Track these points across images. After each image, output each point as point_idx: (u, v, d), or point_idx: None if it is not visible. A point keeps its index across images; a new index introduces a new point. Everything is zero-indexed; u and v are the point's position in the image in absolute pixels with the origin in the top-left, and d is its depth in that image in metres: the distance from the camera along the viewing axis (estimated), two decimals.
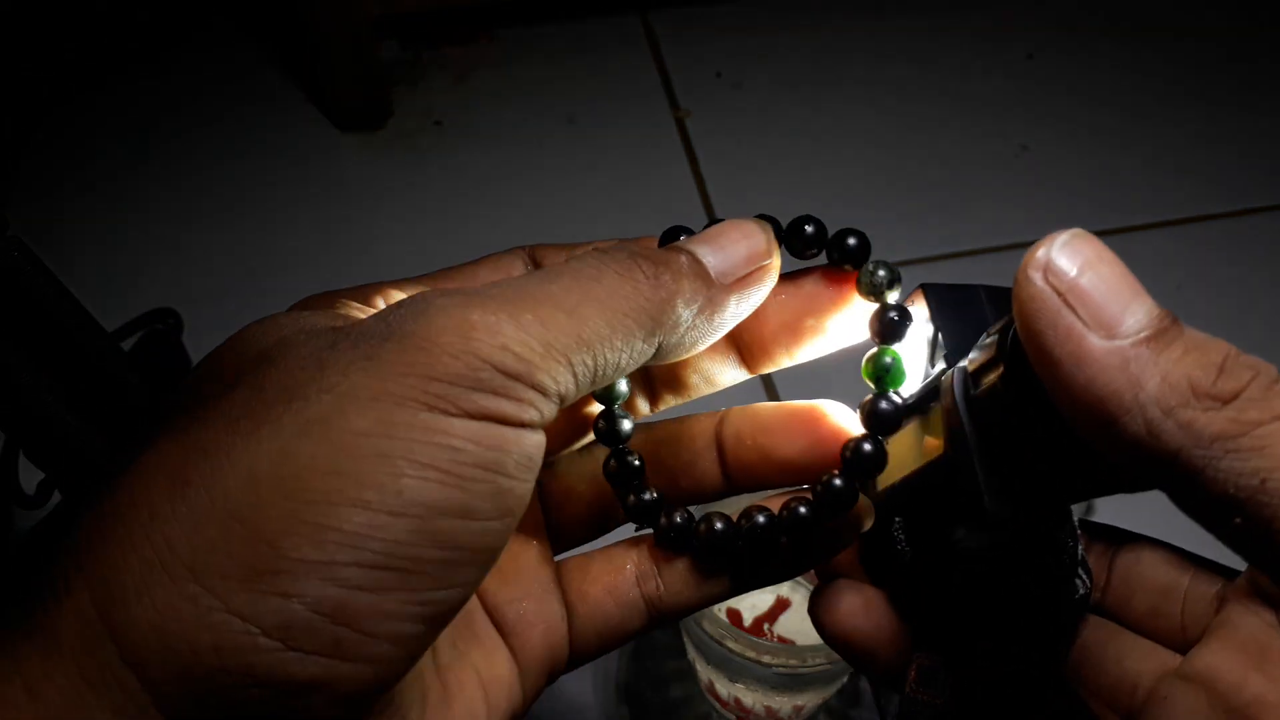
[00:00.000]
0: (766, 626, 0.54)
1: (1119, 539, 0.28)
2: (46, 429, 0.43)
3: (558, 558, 0.29)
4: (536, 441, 0.21)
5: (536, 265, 0.27)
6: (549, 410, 0.21)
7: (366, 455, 0.19)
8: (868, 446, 0.25)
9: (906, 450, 0.26)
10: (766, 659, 0.46)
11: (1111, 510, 0.26)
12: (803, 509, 0.26)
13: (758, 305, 0.25)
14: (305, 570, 0.19)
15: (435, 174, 0.85)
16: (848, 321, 0.27)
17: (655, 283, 0.23)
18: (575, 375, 0.21)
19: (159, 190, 0.84)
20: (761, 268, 0.25)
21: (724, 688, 0.51)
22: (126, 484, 0.20)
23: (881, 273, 0.26)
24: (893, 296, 0.26)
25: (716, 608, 0.52)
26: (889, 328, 0.26)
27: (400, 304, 0.21)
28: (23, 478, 0.50)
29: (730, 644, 0.47)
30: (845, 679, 0.51)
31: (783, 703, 0.51)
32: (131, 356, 0.62)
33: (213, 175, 0.85)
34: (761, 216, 0.26)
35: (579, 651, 0.28)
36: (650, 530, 0.28)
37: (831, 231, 0.26)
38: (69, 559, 0.20)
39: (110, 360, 0.46)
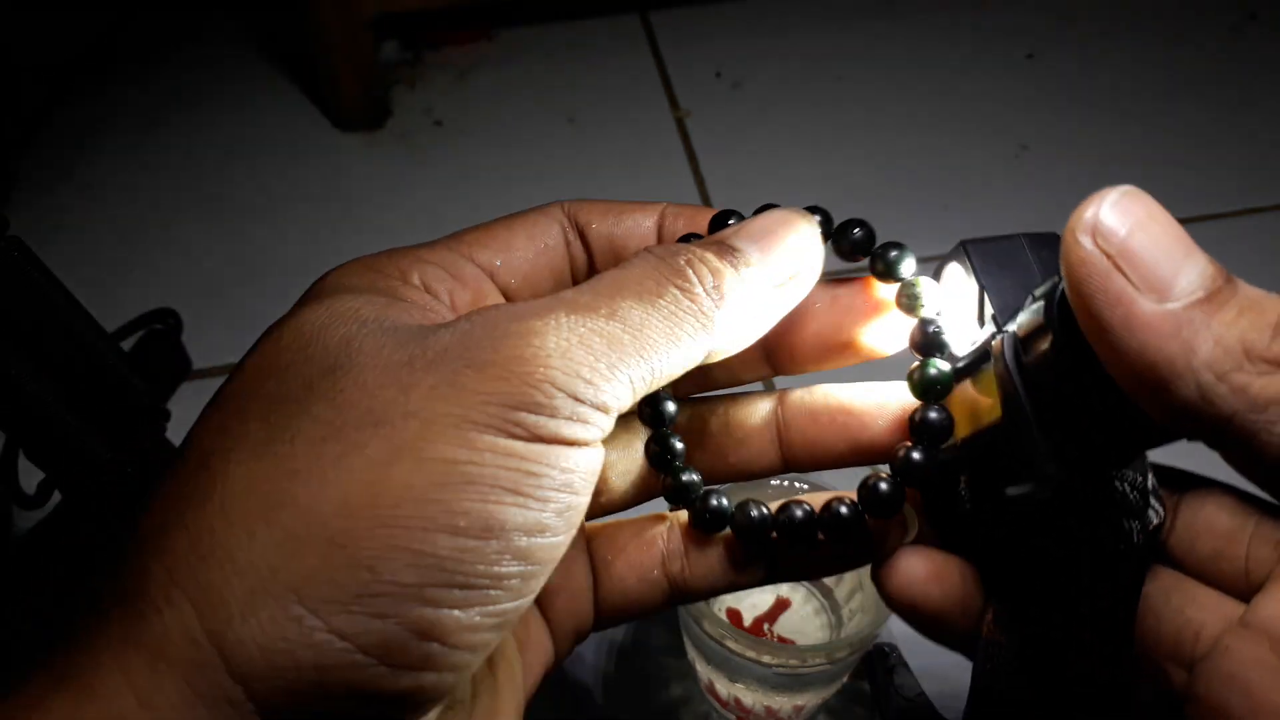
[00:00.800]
0: (766, 626, 0.54)
1: (1183, 483, 0.27)
2: (46, 429, 0.43)
3: (593, 521, 0.30)
4: (599, 456, 0.22)
5: (575, 227, 0.28)
6: (610, 425, 0.22)
7: (456, 482, 0.20)
8: (917, 455, 0.25)
9: (960, 414, 0.26)
10: (766, 659, 0.46)
11: (1174, 453, 0.26)
12: (844, 509, 0.26)
13: (800, 300, 0.25)
14: (402, 593, 0.20)
15: (435, 174, 0.85)
16: (882, 334, 0.27)
17: (712, 292, 0.23)
18: (634, 389, 0.22)
19: (159, 190, 0.84)
20: (807, 266, 0.25)
21: (724, 688, 0.51)
22: (216, 498, 0.21)
23: (919, 289, 0.26)
24: (928, 309, 0.26)
25: (716, 608, 0.52)
26: (932, 341, 0.26)
27: (474, 321, 0.22)
28: (23, 478, 0.50)
29: (730, 644, 0.46)
30: (845, 679, 0.51)
31: (783, 703, 0.51)
32: (131, 356, 0.62)
33: (213, 175, 0.85)
34: (811, 209, 0.26)
35: (603, 617, 0.29)
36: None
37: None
38: (161, 569, 0.20)
39: (110, 360, 0.46)
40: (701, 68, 0.93)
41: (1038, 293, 0.23)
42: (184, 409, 0.59)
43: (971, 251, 0.26)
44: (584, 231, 0.28)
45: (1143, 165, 0.85)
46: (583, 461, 0.22)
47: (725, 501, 0.27)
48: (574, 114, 0.89)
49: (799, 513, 0.26)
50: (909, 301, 0.26)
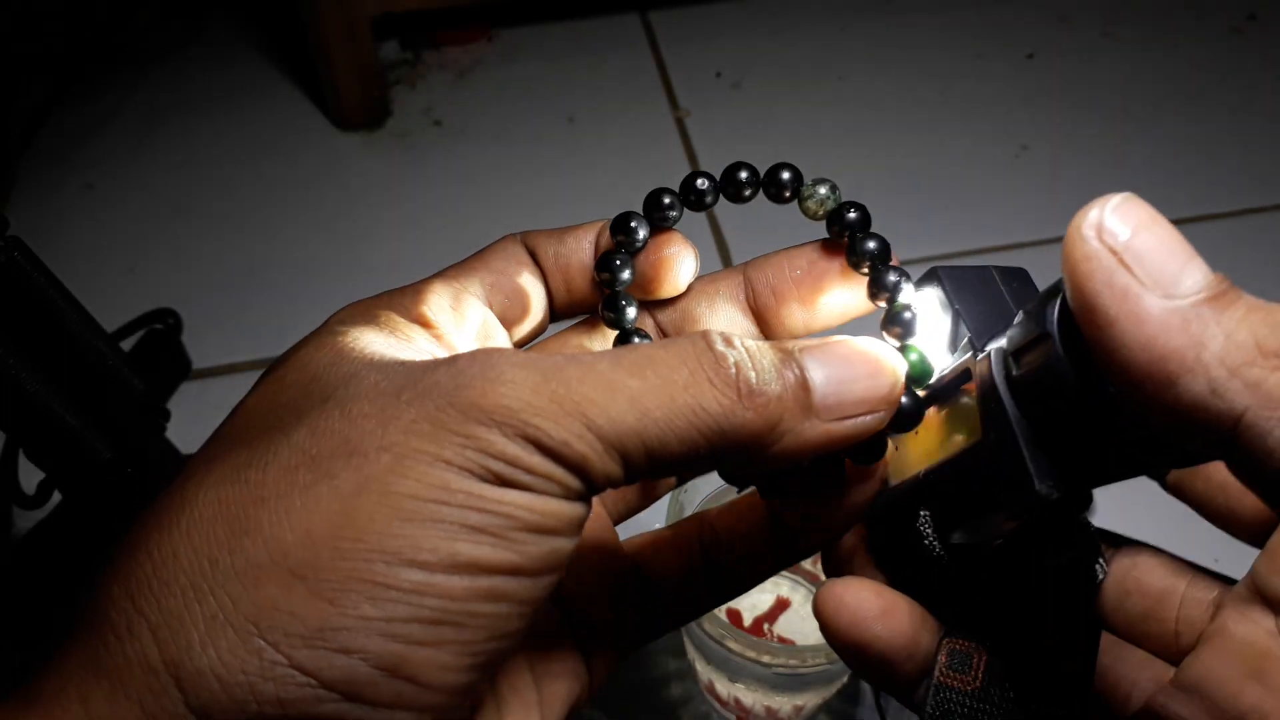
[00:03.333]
0: (766, 626, 0.54)
1: (1115, 542, 0.28)
2: (46, 429, 0.43)
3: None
4: (583, 509, 0.22)
5: (531, 254, 0.28)
6: (598, 489, 0.21)
7: (423, 518, 0.20)
8: (904, 399, 0.24)
9: (932, 441, 0.25)
10: (766, 659, 0.46)
11: (1108, 515, 0.25)
12: None
13: (847, 444, 0.23)
14: (365, 627, 0.19)
15: (435, 174, 0.85)
16: (845, 294, 0.27)
17: (748, 404, 0.21)
18: (626, 467, 0.21)
19: (159, 190, 0.84)
20: (874, 411, 0.23)
21: (724, 688, 0.51)
22: (183, 523, 0.20)
23: (844, 209, 0.26)
24: (906, 295, 0.26)
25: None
26: (905, 327, 0.25)
27: (472, 360, 0.21)
28: (23, 478, 0.50)
29: (730, 644, 0.46)
30: (845, 679, 0.51)
31: (783, 703, 0.51)
32: (131, 356, 0.62)
33: (213, 175, 0.85)
34: (847, 205, 0.27)
35: (646, 631, 0.29)
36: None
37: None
38: (125, 595, 0.20)
39: (110, 360, 0.46)
40: (701, 68, 0.93)
41: (1028, 308, 0.22)
42: (184, 409, 0.59)
43: (944, 277, 0.26)
44: (536, 256, 0.28)
45: (1143, 165, 0.85)
46: (562, 511, 0.21)
47: None
48: (574, 114, 0.89)
49: None
50: (894, 325, 0.26)
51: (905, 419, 0.24)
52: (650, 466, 0.21)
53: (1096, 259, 0.19)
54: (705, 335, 0.22)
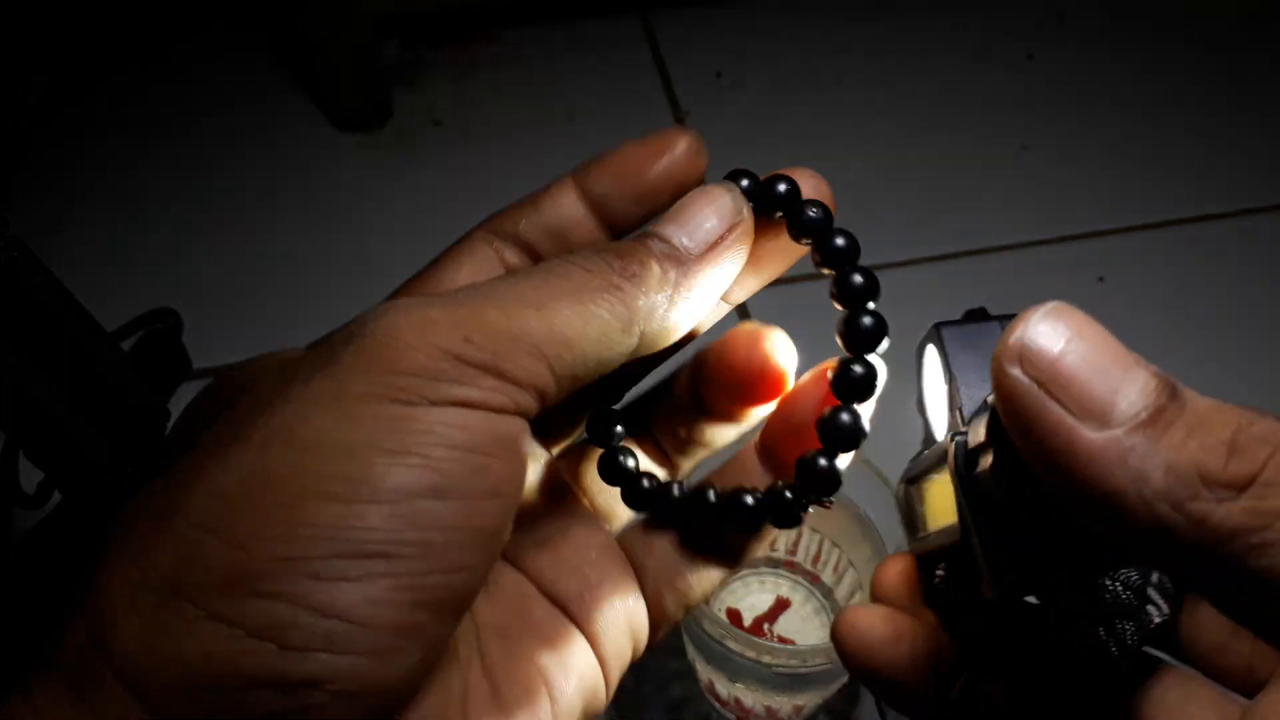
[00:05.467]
0: (766, 626, 0.54)
1: None
2: (46, 429, 0.43)
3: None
4: (513, 426, 0.21)
5: (507, 240, 0.27)
6: (525, 400, 0.21)
7: (330, 451, 0.19)
8: (845, 417, 0.24)
9: (940, 500, 0.25)
10: (766, 659, 0.46)
11: None
12: (748, 499, 0.25)
13: (739, 268, 0.25)
14: (281, 569, 0.19)
15: (435, 174, 0.85)
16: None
17: (623, 273, 0.22)
18: (552, 369, 0.21)
19: (159, 190, 0.84)
20: (733, 231, 0.24)
21: (724, 688, 0.51)
22: (121, 523, 0.21)
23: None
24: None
25: (716, 607, 0.52)
26: (851, 386, 0.24)
27: (363, 312, 0.21)
28: (23, 478, 0.50)
29: (730, 644, 0.46)
30: (845, 679, 0.51)
31: (783, 703, 0.51)
32: (131, 356, 0.62)
33: (213, 175, 0.85)
34: (732, 174, 0.25)
35: (659, 627, 0.28)
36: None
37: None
38: (74, 597, 0.21)
39: (110, 360, 0.46)
40: (701, 68, 0.93)
41: (990, 399, 0.21)
42: (184, 409, 0.59)
43: (945, 336, 0.25)
44: (516, 238, 0.27)
45: (1143, 165, 0.85)
46: (487, 425, 0.20)
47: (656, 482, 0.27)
48: (574, 114, 0.89)
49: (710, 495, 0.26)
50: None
51: (846, 435, 0.24)
52: (574, 363, 0.21)
53: (1022, 394, 0.18)
54: (578, 251, 0.23)
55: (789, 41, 0.96)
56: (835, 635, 0.27)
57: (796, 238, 0.26)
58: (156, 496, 0.21)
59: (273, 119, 0.89)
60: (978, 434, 0.22)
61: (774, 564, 0.55)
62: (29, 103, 0.88)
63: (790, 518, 0.26)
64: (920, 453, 0.27)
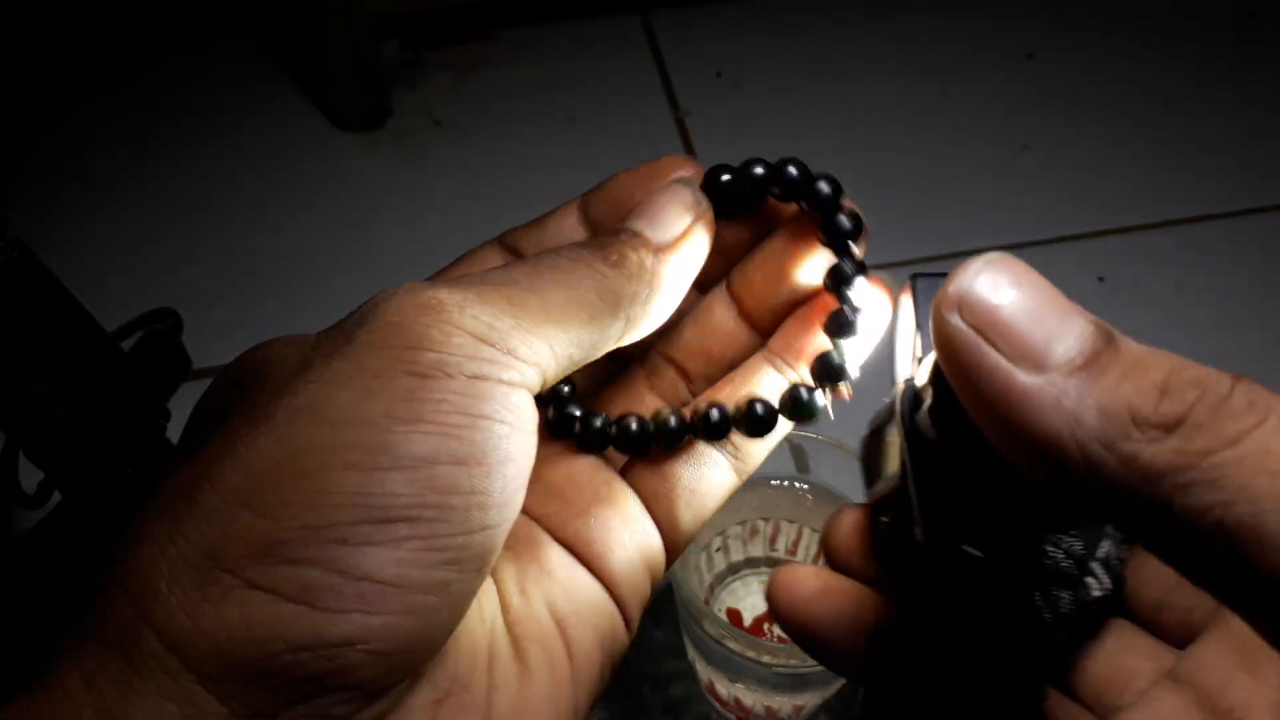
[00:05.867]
0: (766, 626, 0.54)
1: None
2: (46, 429, 0.43)
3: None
4: (523, 396, 0.22)
5: (512, 252, 0.29)
6: (530, 375, 0.22)
7: (352, 423, 0.20)
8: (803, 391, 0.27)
9: (895, 449, 0.25)
10: (766, 659, 0.46)
11: None
12: (714, 413, 0.27)
13: (705, 256, 0.27)
14: (309, 536, 0.20)
15: (435, 174, 0.85)
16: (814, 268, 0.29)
17: (606, 261, 0.24)
18: (552, 350, 0.23)
19: (159, 190, 0.84)
20: (696, 223, 0.26)
21: (724, 688, 0.51)
22: (150, 506, 0.21)
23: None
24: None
25: (716, 608, 0.52)
26: (838, 326, 0.27)
27: (374, 296, 0.22)
28: (23, 478, 0.50)
29: (730, 644, 0.46)
30: (845, 679, 0.51)
31: (783, 703, 0.51)
32: (131, 356, 0.62)
33: (212, 175, 0.85)
34: (712, 170, 0.28)
35: (675, 547, 0.29)
36: None
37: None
38: (105, 574, 0.21)
39: (110, 360, 0.46)
40: (701, 68, 0.93)
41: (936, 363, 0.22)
42: (184, 409, 0.59)
43: (918, 287, 0.25)
44: (520, 250, 0.29)
45: (1143, 165, 0.85)
46: (499, 394, 0.21)
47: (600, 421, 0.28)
48: (574, 114, 0.89)
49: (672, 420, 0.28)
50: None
51: (799, 408, 0.26)
52: (571, 347, 0.23)
53: (960, 340, 0.18)
54: (568, 245, 0.26)
55: (789, 41, 0.96)
56: (767, 594, 0.28)
57: (786, 199, 0.29)
58: (185, 476, 0.21)
59: (273, 119, 0.89)
60: (922, 379, 0.22)
61: (774, 564, 0.55)
62: (29, 103, 0.88)
63: (806, 410, 0.27)
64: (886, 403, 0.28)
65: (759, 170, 0.29)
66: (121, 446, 0.46)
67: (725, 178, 0.28)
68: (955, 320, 0.19)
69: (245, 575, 0.20)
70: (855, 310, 0.27)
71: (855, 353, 0.28)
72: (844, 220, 0.27)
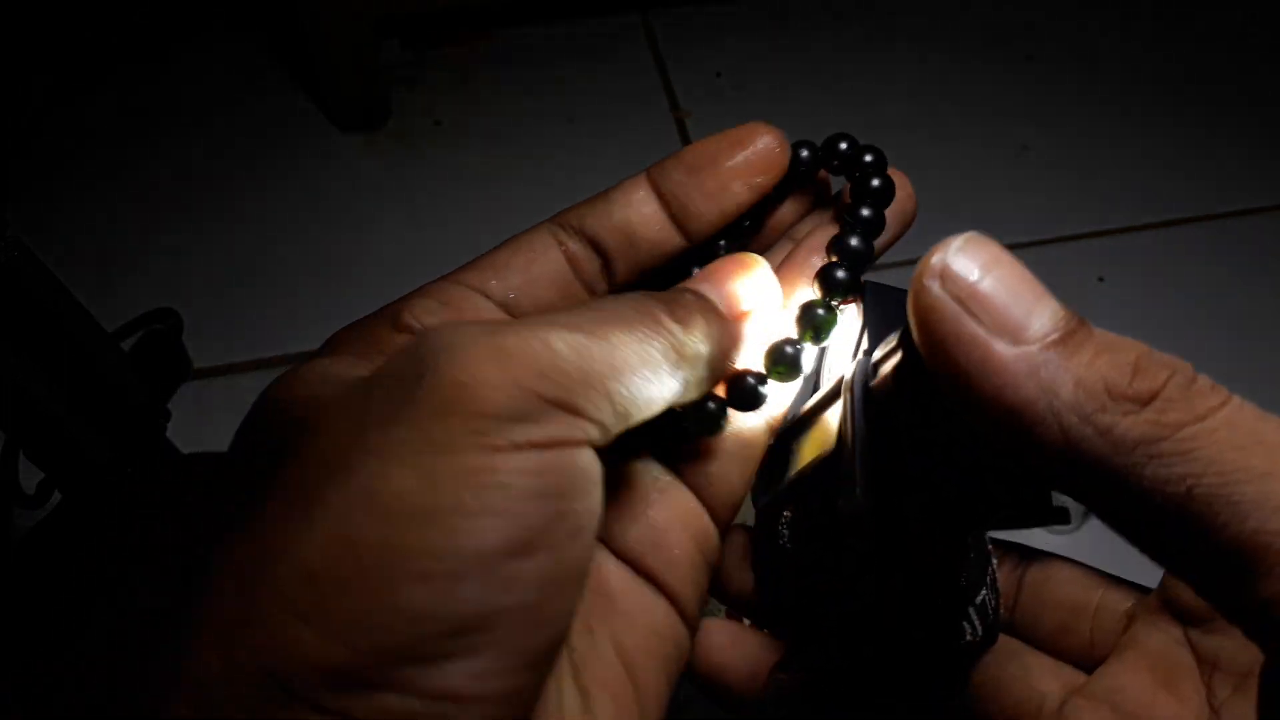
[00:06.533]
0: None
1: (1029, 554, 0.28)
2: (47, 429, 0.43)
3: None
4: (586, 458, 0.20)
5: (575, 233, 0.26)
6: (593, 433, 0.20)
7: (416, 519, 0.18)
8: (789, 349, 0.25)
9: (813, 444, 0.26)
10: None
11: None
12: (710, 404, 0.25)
13: (767, 331, 0.25)
14: (382, 658, 0.18)
15: (435, 174, 0.85)
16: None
17: (672, 316, 0.22)
18: (613, 405, 0.21)
19: (159, 190, 0.84)
20: (762, 298, 0.25)
21: None
22: (202, 588, 0.20)
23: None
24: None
25: (716, 607, 0.52)
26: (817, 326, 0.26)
27: (425, 337, 0.20)
28: (23, 478, 0.50)
29: None
30: None
31: None
32: (131, 356, 0.62)
33: (213, 175, 0.85)
34: (795, 145, 0.27)
35: (730, 515, 0.27)
36: None
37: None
38: (161, 676, 0.20)
39: (110, 360, 0.46)
40: (701, 68, 0.93)
41: (902, 329, 0.22)
42: (184, 409, 0.59)
43: (869, 292, 0.26)
44: (581, 226, 0.26)
45: (1143, 165, 0.85)
46: (568, 463, 0.20)
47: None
48: (574, 114, 0.89)
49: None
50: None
51: (746, 397, 0.25)
52: (630, 401, 0.21)
53: (940, 308, 0.19)
54: (637, 296, 0.23)
55: (790, 42, 0.96)
56: (694, 655, 0.27)
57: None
58: (236, 558, 0.20)
59: (273, 119, 0.89)
60: (885, 348, 0.22)
61: None
62: (29, 103, 0.88)
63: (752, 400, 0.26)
64: (804, 401, 0.28)
65: (844, 145, 0.27)
66: (121, 446, 0.46)
67: (804, 153, 0.27)
68: (936, 289, 0.19)
69: (315, 699, 0.18)
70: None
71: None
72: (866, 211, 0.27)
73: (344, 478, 0.19)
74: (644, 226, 0.26)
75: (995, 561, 0.26)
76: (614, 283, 0.27)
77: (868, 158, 0.28)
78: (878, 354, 0.23)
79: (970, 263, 0.19)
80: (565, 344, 0.20)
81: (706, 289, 0.24)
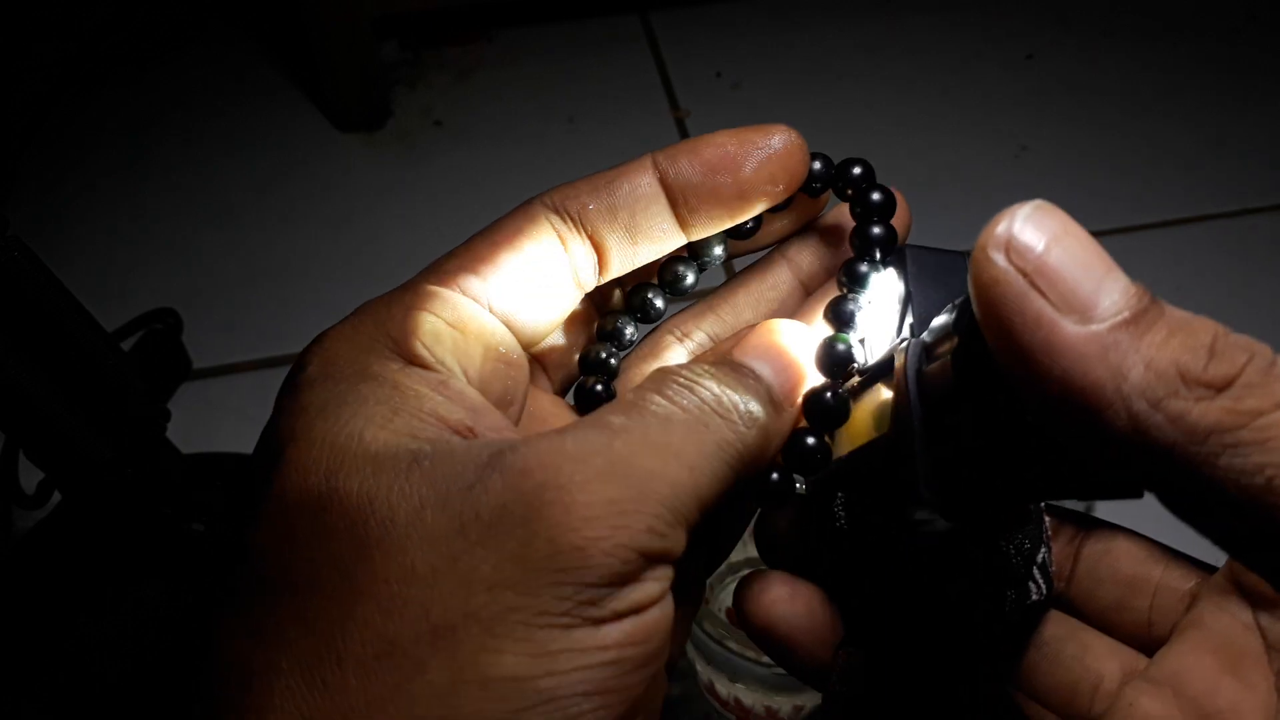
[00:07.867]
0: None
1: (1087, 525, 0.26)
2: (46, 429, 0.43)
3: None
4: (671, 606, 0.20)
5: (569, 218, 0.25)
6: (668, 571, 0.20)
7: (532, 704, 0.18)
8: (829, 396, 0.24)
9: (860, 427, 0.24)
10: (766, 659, 0.46)
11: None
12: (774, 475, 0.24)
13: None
14: None
15: (435, 174, 0.85)
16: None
17: (744, 422, 0.21)
18: (688, 527, 0.20)
19: (159, 190, 0.84)
20: (809, 374, 0.24)
21: (724, 688, 0.51)
22: None
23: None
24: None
25: (716, 608, 0.52)
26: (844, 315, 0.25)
27: (526, 469, 0.19)
28: (23, 478, 0.50)
29: (730, 644, 0.46)
30: None
31: (783, 703, 0.51)
32: (131, 356, 0.62)
33: (213, 175, 0.85)
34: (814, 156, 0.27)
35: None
36: None
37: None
38: None
39: (110, 360, 0.46)
40: (701, 68, 0.93)
41: (958, 301, 0.21)
42: (184, 409, 0.59)
43: (910, 257, 0.25)
44: (582, 217, 0.25)
45: (1143, 165, 0.85)
46: (660, 622, 0.20)
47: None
48: (574, 114, 0.89)
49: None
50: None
51: (832, 415, 0.24)
52: (701, 519, 0.20)
53: (1005, 283, 0.18)
54: (689, 385, 0.21)
55: (789, 41, 0.96)
56: (737, 596, 0.26)
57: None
58: (316, 714, 0.18)
59: (273, 119, 0.89)
60: (942, 327, 0.21)
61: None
62: (29, 102, 0.88)
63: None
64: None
65: (857, 170, 0.27)
66: (121, 446, 0.46)
67: (858, 170, 0.27)
68: (1002, 261, 0.18)
69: None
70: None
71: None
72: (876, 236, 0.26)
73: (448, 644, 0.18)
74: (648, 226, 0.25)
75: (1047, 520, 0.25)
76: (602, 276, 0.26)
77: (876, 196, 0.26)
78: (928, 335, 0.22)
79: (1038, 233, 0.18)
80: (666, 486, 0.19)
81: (757, 365, 0.23)
